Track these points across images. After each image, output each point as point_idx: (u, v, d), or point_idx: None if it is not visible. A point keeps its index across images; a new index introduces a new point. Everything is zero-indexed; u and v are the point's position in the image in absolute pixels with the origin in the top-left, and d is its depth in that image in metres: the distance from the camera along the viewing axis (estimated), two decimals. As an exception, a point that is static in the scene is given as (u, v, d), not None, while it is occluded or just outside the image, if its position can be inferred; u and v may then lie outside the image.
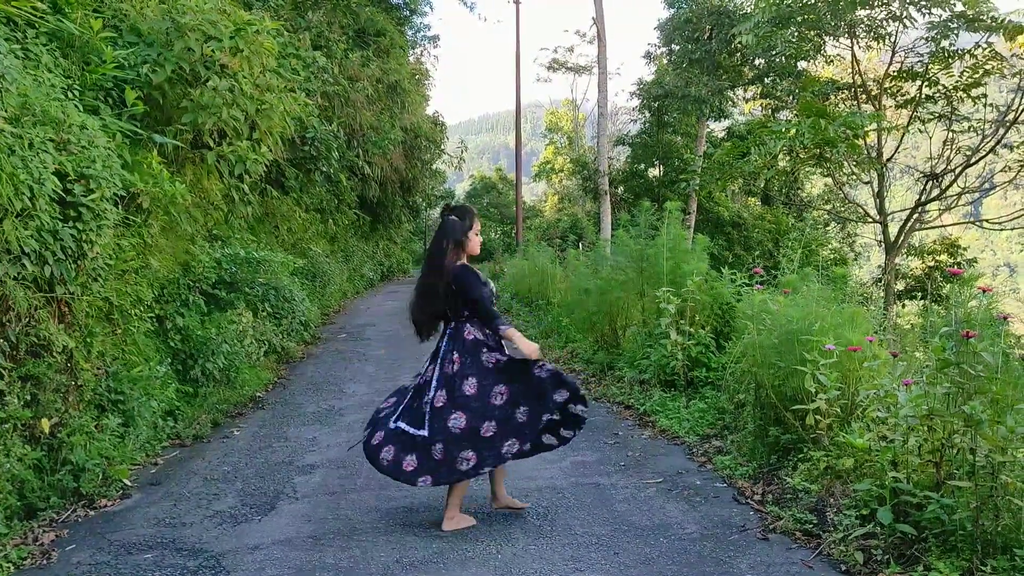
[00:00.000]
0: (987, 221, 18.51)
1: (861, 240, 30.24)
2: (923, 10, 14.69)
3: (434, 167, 32.28)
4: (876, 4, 15.32)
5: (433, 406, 4.90)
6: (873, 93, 17.07)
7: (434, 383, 4.97)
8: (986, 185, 18.31)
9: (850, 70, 17.36)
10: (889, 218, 17.13)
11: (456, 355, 4.96)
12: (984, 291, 4.42)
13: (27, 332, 5.32)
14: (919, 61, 16.03)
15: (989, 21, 13.94)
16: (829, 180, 22.19)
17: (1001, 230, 18.03)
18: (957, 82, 15.43)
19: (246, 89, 8.06)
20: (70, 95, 6.00)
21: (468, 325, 5.02)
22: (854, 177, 18.40)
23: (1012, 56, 15.03)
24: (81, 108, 6.06)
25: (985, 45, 14.94)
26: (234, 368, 9.11)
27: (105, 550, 4.84)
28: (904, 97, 16.88)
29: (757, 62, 24.71)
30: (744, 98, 28.42)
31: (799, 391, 5.59)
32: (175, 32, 7.55)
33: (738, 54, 24.93)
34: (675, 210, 9.46)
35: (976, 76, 15.20)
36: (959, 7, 14.12)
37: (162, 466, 6.67)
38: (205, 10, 7.77)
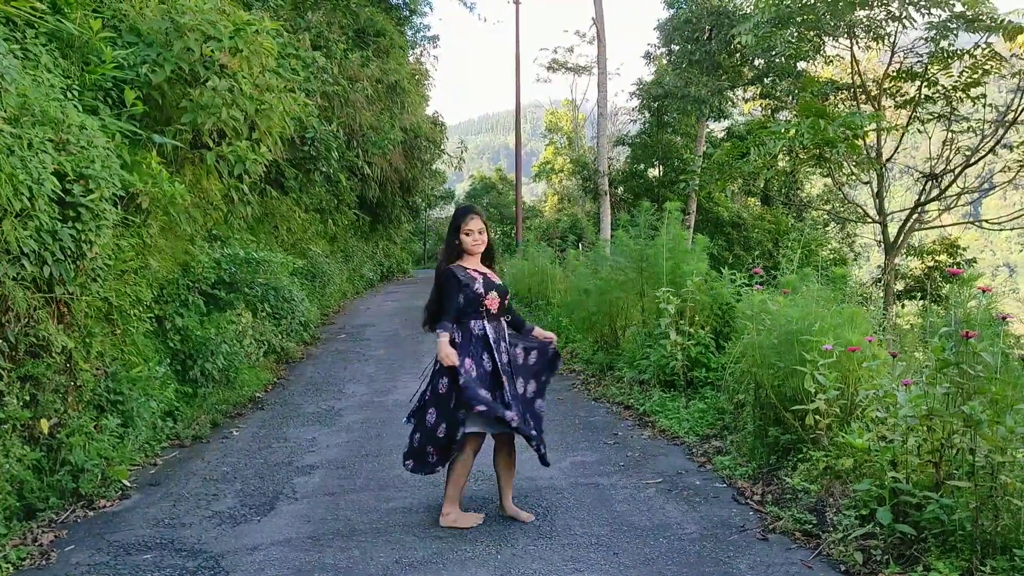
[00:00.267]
0: (987, 221, 18.51)
1: (860, 240, 30.28)
2: (922, 10, 14.69)
3: (434, 167, 32.27)
4: (875, 4, 15.32)
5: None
6: (872, 93, 17.07)
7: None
8: (985, 185, 18.31)
9: (849, 70, 17.36)
10: (889, 218, 17.13)
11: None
12: (984, 291, 4.42)
13: (26, 332, 5.32)
14: (918, 61, 16.03)
15: (988, 21, 13.93)
16: (828, 180, 22.19)
17: (1000, 230, 18.03)
18: (956, 82, 15.42)
19: (246, 89, 8.05)
20: (69, 95, 5.99)
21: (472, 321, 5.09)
22: (853, 177, 18.40)
23: (1011, 56, 15.02)
24: (80, 108, 6.05)
25: (984, 45, 14.93)
26: (233, 368, 9.11)
27: (104, 551, 4.84)
28: (903, 97, 16.88)
29: (757, 62, 24.71)
30: (744, 98, 28.41)
31: (799, 391, 5.59)
32: (174, 32, 7.55)
33: (738, 54, 24.93)
34: (675, 210, 9.46)
35: (975, 76, 15.19)
36: (958, 7, 14.12)
37: (161, 467, 6.67)
38: (204, 10, 7.77)
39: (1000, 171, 16.77)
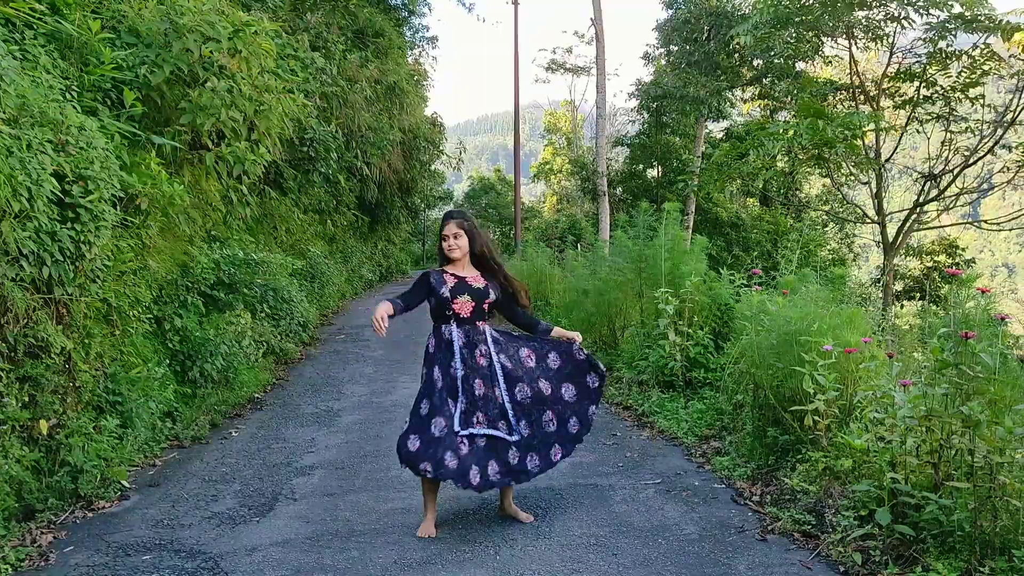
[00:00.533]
0: (986, 222, 18.54)
1: (859, 241, 30.31)
2: (921, 11, 14.70)
3: (433, 168, 32.28)
4: (874, 5, 15.34)
5: None
6: (871, 94, 17.09)
7: None
8: (984, 186, 18.31)
9: (848, 71, 17.38)
10: (887, 219, 17.14)
11: None
12: (983, 292, 4.43)
13: (25, 333, 5.32)
14: (917, 62, 16.04)
15: (987, 22, 13.95)
16: (827, 181, 22.20)
17: (999, 231, 18.06)
18: (955, 83, 15.45)
19: (245, 90, 8.05)
20: (68, 96, 5.99)
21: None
22: (852, 178, 18.41)
23: (1010, 57, 15.03)
24: (79, 109, 6.05)
25: (983, 46, 14.95)
26: (232, 369, 9.10)
27: (103, 551, 4.84)
28: (902, 98, 16.89)
29: (755, 63, 24.77)
30: (742, 99, 28.45)
31: (797, 392, 5.60)
32: (173, 33, 7.54)
33: (736, 55, 24.98)
34: (673, 211, 9.47)
35: (974, 77, 15.21)
36: (957, 8, 14.15)
37: (160, 467, 6.67)
38: (203, 11, 7.76)
39: (999, 171, 16.80)
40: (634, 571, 4.43)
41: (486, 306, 5.10)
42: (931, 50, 15.14)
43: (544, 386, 5.12)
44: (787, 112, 22.98)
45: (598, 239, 18.73)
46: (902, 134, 16.72)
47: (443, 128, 31.87)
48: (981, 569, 3.87)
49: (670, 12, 27.48)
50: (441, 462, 4.77)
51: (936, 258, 23.94)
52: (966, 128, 16.13)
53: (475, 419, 4.93)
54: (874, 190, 16.95)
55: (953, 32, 14.50)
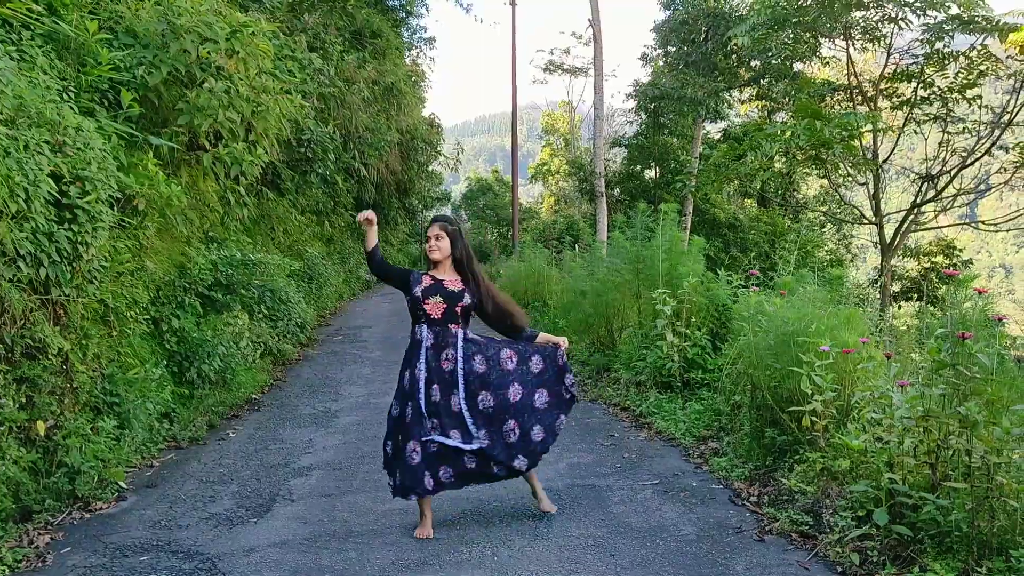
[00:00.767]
0: (983, 222, 18.57)
1: (857, 241, 30.32)
2: (918, 12, 14.73)
3: (430, 169, 32.29)
4: (871, 6, 15.36)
5: None
6: (869, 94, 17.11)
7: None
8: (982, 186, 18.35)
9: (846, 72, 17.40)
10: (885, 219, 17.17)
11: None
12: (980, 292, 4.43)
13: (22, 334, 5.31)
14: (914, 63, 16.07)
15: (984, 23, 13.97)
16: (825, 182, 22.23)
17: (997, 231, 18.08)
18: (952, 83, 15.47)
19: (242, 91, 8.05)
20: (65, 97, 5.99)
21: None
22: (850, 179, 18.45)
23: (1007, 57, 15.06)
24: (76, 110, 6.04)
25: (980, 47, 14.97)
26: (230, 370, 9.10)
27: (100, 553, 4.83)
28: (899, 99, 16.92)
29: (753, 64, 24.77)
30: (740, 100, 28.47)
31: (795, 392, 5.60)
32: (171, 34, 7.54)
33: (734, 56, 24.98)
34: (671, 212, 9.47)
35: (971, 78, 15.24)
36: (954, 9, 14.17)
37: (158, 468, 6.66)
38: (201, 12, 7.76)
39: (996, 172, 16.83)
40: (632, 572, 4.43)
41: (459, 309, 5.04)
42: (928, 51, 15.17)
43: (514, 392, 5.05)
44: (785, 113, 23.01)
45: (596, 240, 18.76)
46: (899, 135, 16.75)
47: (441, 129, 31.88)
48: (978, 569, 3.87)
49: (668, 13, 27.48)
50: (394, 478, 5.07)
51: (933, 259, 23.96)
52: (963, 129, 16.16)
53: (429, 425, 4.94)
54: (872, 191, 16.98)
55: (950, 33, 14.53)
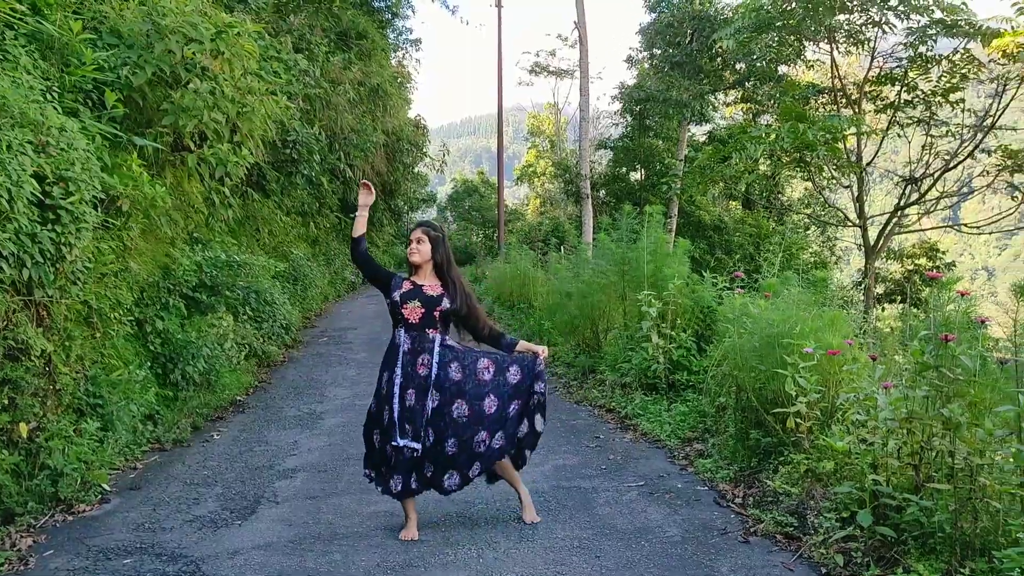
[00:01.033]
0: (966, 225, 18.71)
1: (841, 244, 30.44)
2: (902, 16, 14.81)
3: (416, 170, 32.27)
4: (855, 9, 15.44)
5: None
6: (853, 97, 17.19)
7: None
8: (965, 189, 18.46)
9: (830, 75, 17.48)
10: (869, 222, 17.26)
11: None
12: (963, 295, 4.46)
13: (5, 336, 5.28)
14: (898, 66, 16.15)
15: (967, 27, 14.06)
16: (809, 184, 22.32)
17: (979, 234, 18.21)
18: (935, 87, 15.57)
19: (227, 92, 8.03)
20: (49, 97, 5.96)
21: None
22: (834, 181, 18.53)
23: (989, 61, 15.16)
24: (60, 110, 6.01)
25: (963, 51, 15.07)
26: (214, 372, 9.06)
27: (83, 555, 4.80)
28: (883, 102, 17.00)
29: (738, 66, 24.84)
30: (725, 102, 28.54)
31: (780, 394, 5.62)
32: (155, 34, 7.51)
33: (719, 59, 25.05)
34: (656, 214, 9.49)
35: (954, 81, 15.33)
36: (937, 14, 14.25)
37: (141, 470, 6.63)
38: (186, 12, 7.73)
39: (979, 175, 16.94)
40: (617, 573, 4.43)
41: (437, 314, 5.01)
42: (912, 55, 15.25)
43: (489, 403, 5.00)
44: (769, 115, 23.10)
45: (581, 242, 18.77)
46: (883, 138, 16.84)
47: (426, 130, 31.85)
48: (961, 570, 3.89)
49: (653, 16, 27.55)
50: (383, 478, 5.06)
51: (917, 261, 24.07)
52: (946, 132, 16.26)
53: (404, 429, 4.93)
54: (855, 193, 17.07)
55: (934, 37, 14.61)
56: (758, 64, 21.93)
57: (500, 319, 15.85)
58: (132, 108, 7.56)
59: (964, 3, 13.98)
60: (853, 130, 15.49)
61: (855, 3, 15.22)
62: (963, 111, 15.73)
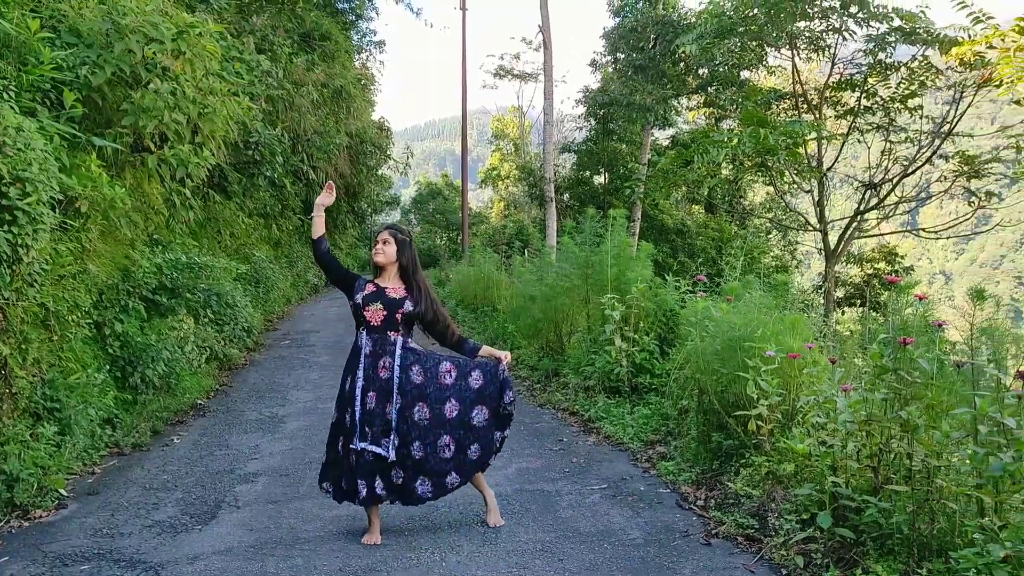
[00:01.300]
0: (924, 230, 18.91)
1: (802, 248, 30.75)
2: (861, 23, 14.98)
3: (380, 173, 32.13)
4: (816, 17, 15.59)
5: None
6: (814, 103, 17.35)
7: None
8: (922, 195, 18.68)
9: (791, 80, 17.64)
10: (829, 226, 17.42)
11: None
12: (920, 299, 4.52)
13: (-41, 339, 5.19)
14: (858, 72, 16.34)
15: (925, 35, 14.25)
16: (771, 189, 22.50)
17: (937, 239, 18.42)
18: (894, 93, 15.75)
19: (188, 92, 7.95)
20: (5, 96, 5.87)
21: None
22: (795, 186, 18.68)
23: (947, 68, 15.36)
24: (17, 110, 5.92)
25: (921, 58, 15.27)
26: (175, 375, 8.97)
27: (40, 562, 4.73)
28: (844, 107, 17.18)
29: (701, 71, 25.01)
30: (688, 107, 28.73)
31: (741, 397, 5.66)
32: (115, 34, 7.43)
33: (682, 63, 25.21)
34: (620, 217, 9.53)
35: (912, 88, 15.53)
36: (897, 22, 14.42)
37: (100, 475, 6.54)
38: (146, 12, 7.65)
39: (936, 181, 17.13)
40: (580, 576, 4.45)
41: (399, 316, 4.99)
42: (871, 61, 15.42)
43: (450, 408, 5.01)
44: (732, 120, 23.27)
45: (545, 245, 18.80)
46: (843, 143, 16.99)
47: (390, 132, 31.76)
48: (919, 571, 3.94)
49: (617, 20, 27.67)
50: (339, 484, 5.02)
51: (876, 265, 24.38)
52: (905, 138, 16.45)
53: (364, 432, 4.91)
54: (816, 198, 17.23)
55: (893, 44, 14.79)
56: (721, 69, 22.06)
57: (464, 322, 15.84)
58: (91, 108, 7.47)
59: (923, 12, 14.17)
60: (814, 135, 15.63)
61: (816, 10, 15.36)
62: (921, 117, 15.92)
